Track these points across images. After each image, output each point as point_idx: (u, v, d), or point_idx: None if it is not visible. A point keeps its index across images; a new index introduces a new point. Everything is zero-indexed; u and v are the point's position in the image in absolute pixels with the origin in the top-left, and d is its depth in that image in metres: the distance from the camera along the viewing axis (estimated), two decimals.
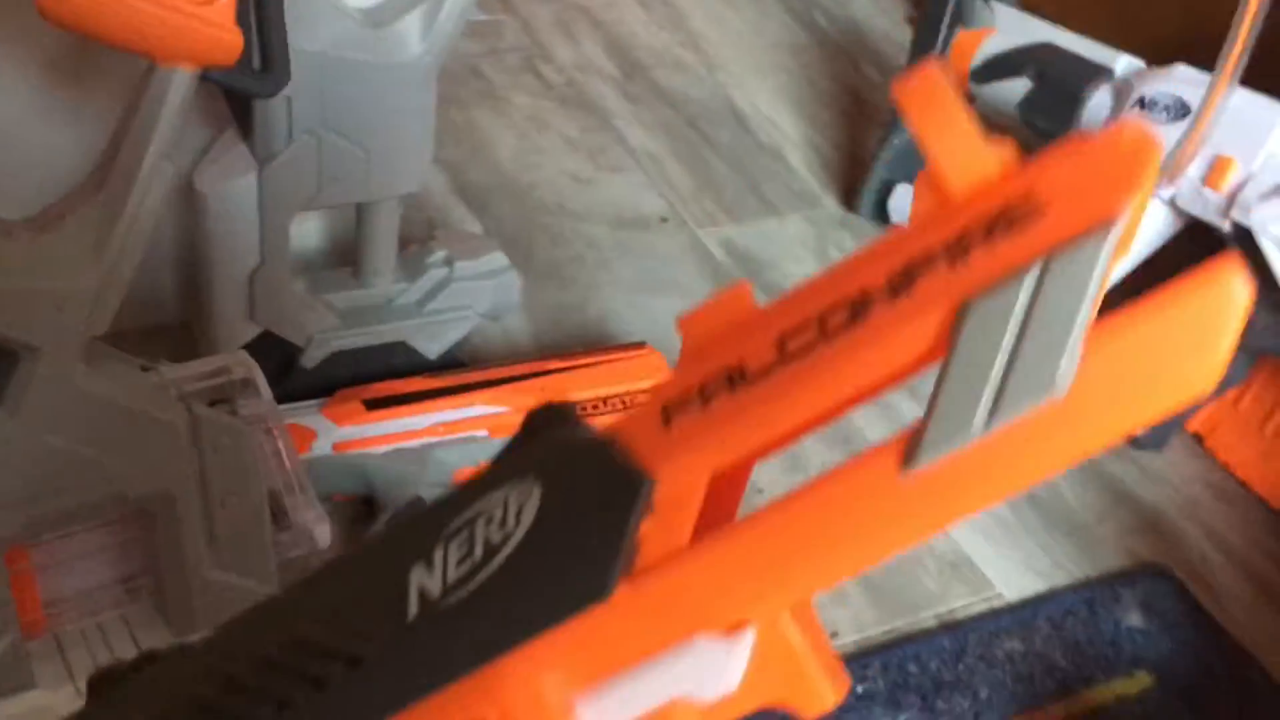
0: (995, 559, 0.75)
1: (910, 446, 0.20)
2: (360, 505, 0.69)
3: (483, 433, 0.71)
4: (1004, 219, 0.20)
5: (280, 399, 0.63)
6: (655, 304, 0.89)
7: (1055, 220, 0.20)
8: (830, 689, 0.23)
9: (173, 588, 0.55)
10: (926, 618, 0.71)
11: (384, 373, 0.73)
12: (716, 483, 0.23)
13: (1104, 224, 0.19)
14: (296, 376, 0.71)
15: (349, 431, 0.69)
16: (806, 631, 0.23)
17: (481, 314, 0.77)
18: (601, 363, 0.76)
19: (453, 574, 0.24)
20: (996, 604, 0.73)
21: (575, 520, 0.23)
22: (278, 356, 0.71)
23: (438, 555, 0.24)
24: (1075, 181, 0.20)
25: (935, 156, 0.21)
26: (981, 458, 0.20)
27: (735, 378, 0.22)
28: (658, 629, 0.23)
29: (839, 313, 0.21)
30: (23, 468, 0.47)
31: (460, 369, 0.75)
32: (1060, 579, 0.75)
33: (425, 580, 0.24)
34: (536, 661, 0.23)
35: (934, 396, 0.20)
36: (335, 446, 0.68)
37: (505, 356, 0.78)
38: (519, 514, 0.24)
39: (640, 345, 0.78)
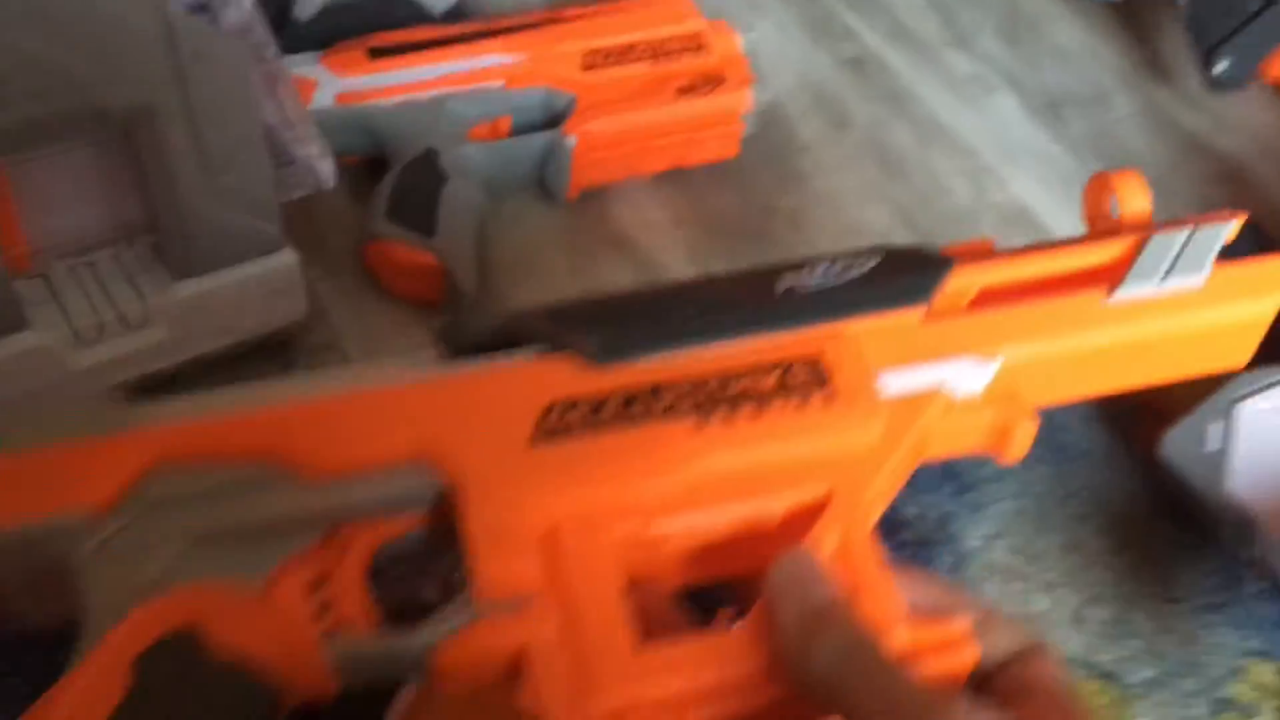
0: (1057, 210, 0.70)
1: (1111, 287, 0.39)
2: (369, 166, 0.63)
3: (499, 83, 0.65)
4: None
5: None
6: None
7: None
8: (1026, 446, 0.39)
9: (167, 223, 0.50)
10: None
11: (386, 28, 0.66)
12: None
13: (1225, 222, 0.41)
14: (290, 32, 0.65)
15: (352, 82, 0.63)
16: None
17: None
18: (625, 8, 0.69)
19: (807, 279, 0.39)
20: None
21: (910, 265, 0.40)
22: (270, 10, 0.64)
23: (793, 272, 0.39)
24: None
25: None
26: (1151, 304, 0.39)
27: None
28: (941, 343, 0.38)
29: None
30: None
31: (470, 20, 0.68)
32: None
33: (791, 280, 0.39)
34: (863, 335, 0.37)
35: (1134, 265, 0.39)
36: (338, 98, 0.62)
37: (516, 9, 0.71)
38: (866, 263, 0.39)
39: None
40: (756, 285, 0.39)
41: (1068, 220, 0.69)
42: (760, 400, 0.36)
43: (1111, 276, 0.39)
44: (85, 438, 0.35)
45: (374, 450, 0.35)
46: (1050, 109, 0.76)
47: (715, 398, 0.36)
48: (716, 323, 0.37)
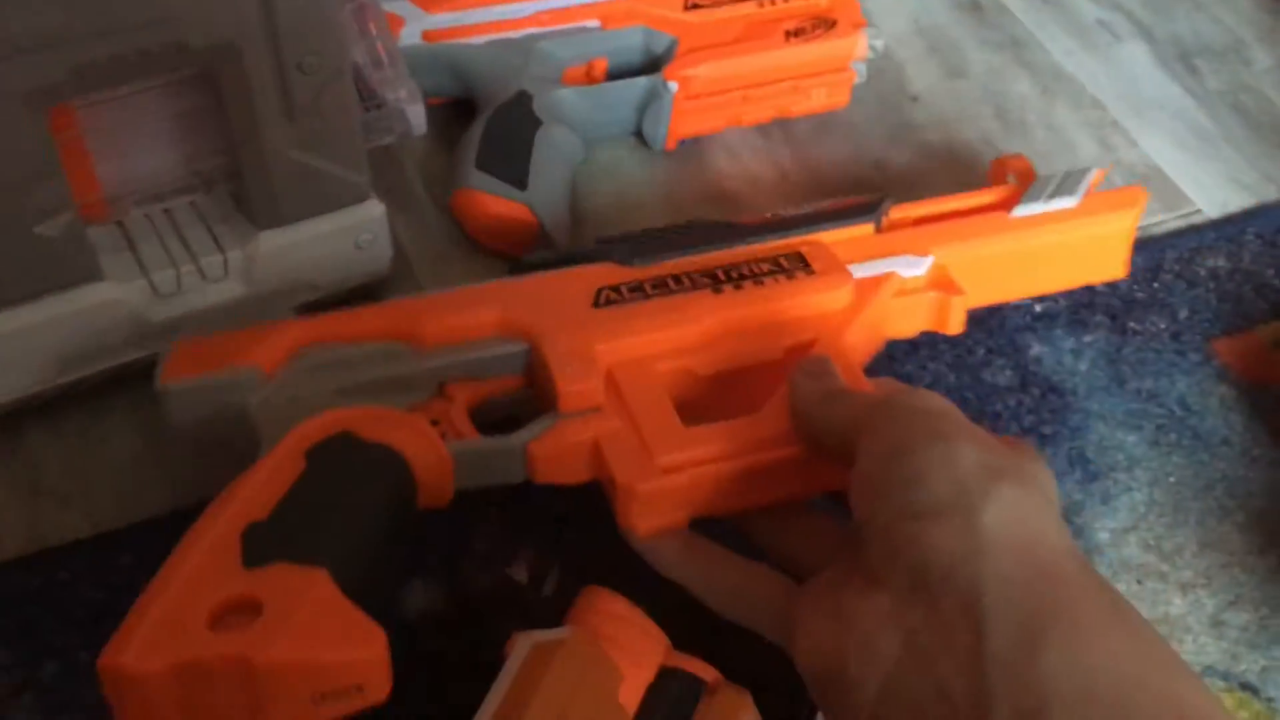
0: (1192, 171, 0.64)
1: (1010, 206, 0.52)
2: (455, 109, 0.60)
3: (595, 22, 0.60)
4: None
5: None
6: None
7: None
8: (960, 315, 0.50)
9: (250, 170, 0.47)
10: None
11: None
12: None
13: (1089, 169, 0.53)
14: None
15: (441, 19, 0.59)
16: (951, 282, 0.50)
17: None
18: None
19: (788, 210, 0.51)
20: (1196, 220, 0.62)
21: (864, 200, 0.52)
22: None
23: (778, 209, 0.52)
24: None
25: None
26: (1041, 218, 0.52)
27: None
28: (890, 247, 0.50)
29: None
30: None
31: None
32: (1271, 193, 0.64)
33: (777, 210, 0.52)
34: (832, 238, 0.50)
35: (1026, 194, 0.52)
36: (425, 35, 0.58)
37: None
38: (831, 200, 0.53)
39: None
40: (751, 216, 0.52)
41: (1205, 182, 0.64)
42: (758, 277, 0.47)
43: (1011, 205, 0.52)
44: (256, 325, 0.45)
45: (469, 326, 0.45)
46: (1183, 60, 0.70)
47: (723, 277, 0.47)
48: (720, 235, 0.49)
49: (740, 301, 0.46)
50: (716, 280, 0.47)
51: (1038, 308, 0.57)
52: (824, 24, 0.62)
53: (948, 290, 0.50)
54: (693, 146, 0.62)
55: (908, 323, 0.50)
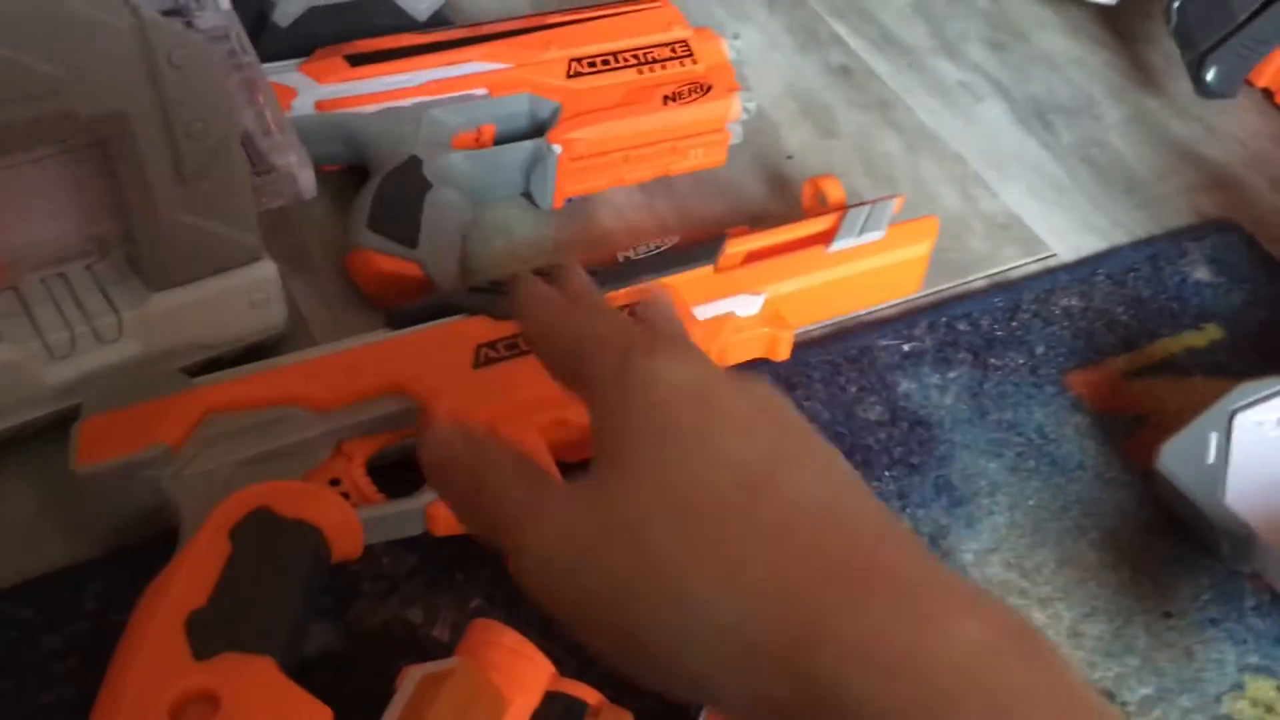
0: (1048, 218, 0.69)
1: (828, 243, 0.59)
2: (349, 175, 0.62)
3: (482, 91, 0.64)
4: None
5: None
6: None
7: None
8: (788, 346, 0.58)
9: (143, 233, 0.49)
10: (976, 279, 0.65)
11: (368, 34, 0.65)
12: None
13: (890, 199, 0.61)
14: (268, 38, 0.63)
15: (332, 89, 0.61)
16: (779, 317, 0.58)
17: None
18: (610, 14, 0.68)
19: (637, 253, 0.57)
20: (1051, 263, 0.67)
21: (697, 244, 0.58)
22: (248, 16, 0.63)
23: (629, 251, 0.58)
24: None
25: None
26: (853, 251, 0.59)
27: None
28: (728, 287, 0.57)
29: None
30: None
31: (452, 27, 0.67)
32: (1120, 237, 0.69)
33: (627, 254, 0.58)
34: (676, 283, 0.55)
35: (837, 232, 0.59)
36: (317, 106, 0.61)
37: (500, 14, 0.70)
38: (673, 242, 0.58)
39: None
40: (606, 260, 0.57)
41: (1060, 228, 0.68)
42: None
43: (827, 238, 0.59)
44: (158, 398, 0.48)
45: (361, 388, 0.50)
46: (1039, 117, 0.76)
47: None
48: None
49: None
50: None
51: (906, 347, 0.60)
52: (700, 88, 0.66)
53: (779, 325, 0.57)
54: (579, 205, 0.65)
55: (744, 354, 0.57)
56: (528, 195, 0.64)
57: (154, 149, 0.47)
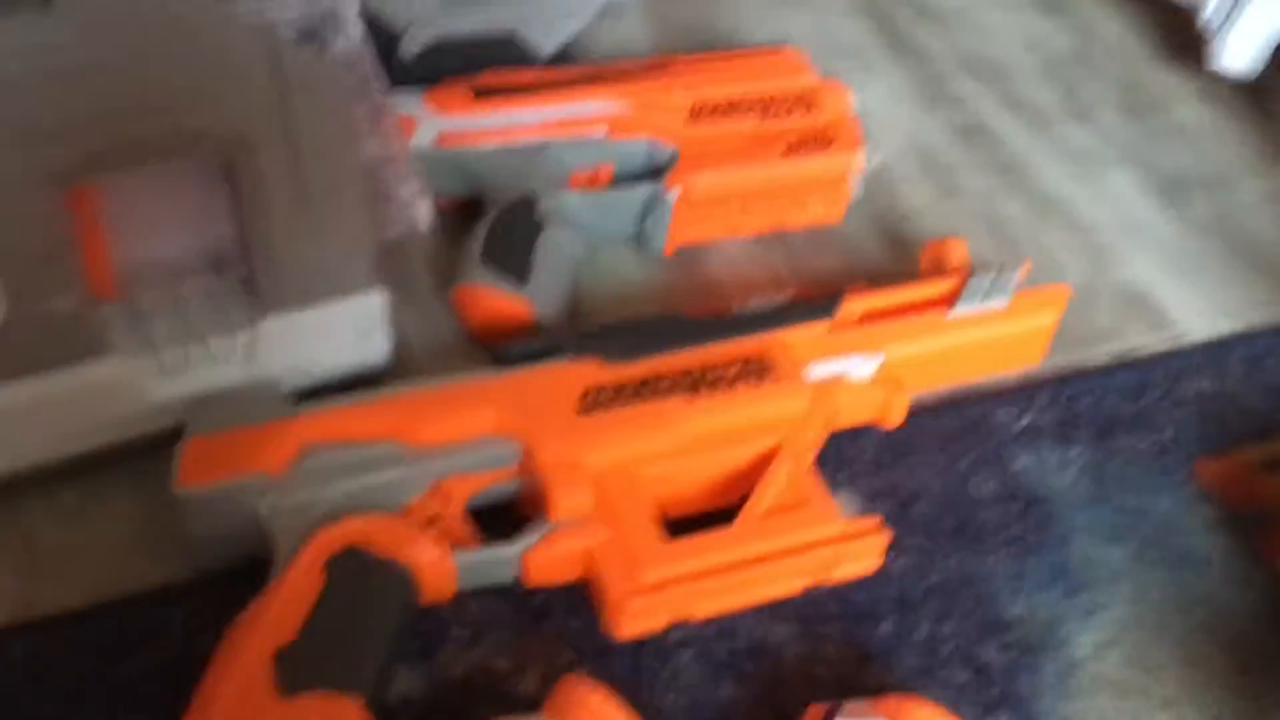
0: (1179, 294, 0.66)
1: (949, 307, 0.56)
2: (465, 211, 0.62)
3: (602, 131, 0.63)
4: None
5: None
6: (793, 20, 0.79)
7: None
8: (901, 412, 0.55)
9: (259, 255, 0.48)
10: (1099, 354, 0.63)
11: (492, 68, 0.65)
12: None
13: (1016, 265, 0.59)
14: (395, 67, 0.63)
15: (454, 122, 0.61)
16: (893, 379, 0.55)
17: (600, 6, 0.68)
18: (735, 60, 0.67)
19: (752, 306, 0.55)
20: (1182, 343, 0.64)
21: (816, 298, 0.56)
22: (377, 43, 0.63)
23: (746, 303, 0.56)
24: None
25: None
26: (975, 317, 0.56)
27: None
28: (842, 345, 0.54)
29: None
30: (77, 84, 0.41)
31: (576, 64, 0.67)
32: (1256, 319, 0.65)
33: (742, 306, 0.55)
34: (792, 340, 0.54)
35: (959, 297, 0.57)
36: (439, 138, 0.61)
37: (624, 55, 0.69)
38: (788, 299, 0.56)
39: (785, 47, 0.69)
40: (719, 310, 0.55)
41: (1190, 305, 0.65)
42: (728, 383, 0.52)
43: (948, 302, 0.57)
44: (261, 423, 0.47)
45: (463, 426, 0.48)
46: (1172, 188, 0.73)
47: (696, 382, 0.51)
48: (692, 335, 0.53)
49: (712, 408, 0.51)
50: (690, 385, 0.51)
51: (1024, 421, 0.58)
52: (822, 141, 0.64)
53: (893, 388, 0.54)
54: (691, 253, 0.64)
55: (856, 417, 0.55)
56: (640, 239, 0.63)
57: (277, 172, 0.47)
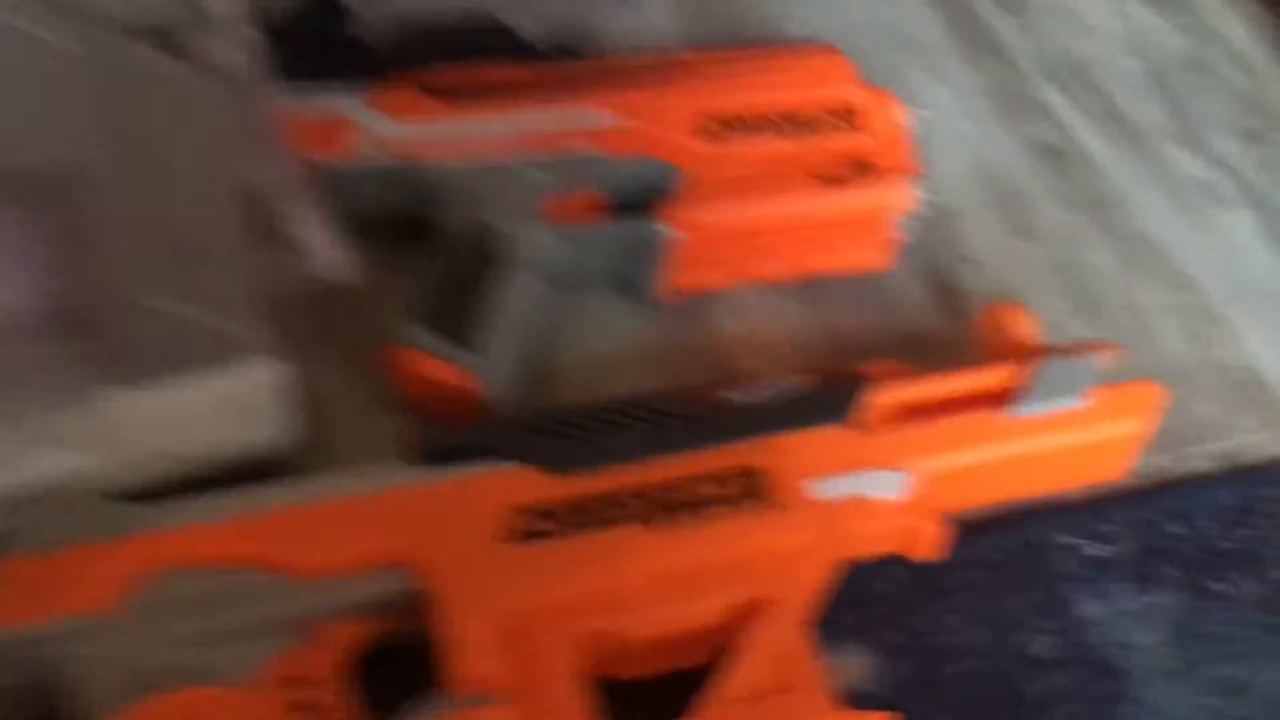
0: None
1: (1005, 407, 0.44)
2: (403, 234, 0.50)
3: (586, 147, 0.51)
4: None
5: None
6: (853, 7, 0.66)
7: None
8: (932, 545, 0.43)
9: (104, 320, 0.38)
10: (1197, 456, 0.50)
11: (467, 60, 0.53)
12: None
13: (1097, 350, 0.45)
14: (339, 54, 0.52)
15: (399, 130, 0.49)
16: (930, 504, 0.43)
17: None
18: (761, 59, 0.54)
19: (745, 396, 0.43)
20: None
21: (827, 388, 0.44)
22: (314, 27, 0.52)
23: (736, 390, 0.44)
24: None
25: None
26: (1039, 421, 0.44)
27: None
28: (859, 457, 0.42)
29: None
30: None
31: (573, 60, 0.54)
32: None
33: (727, 396, 0.43)
34: (789, 448, 0.42)
35: (1023, 389, 0.44)
36: (383, 147, 0.49)
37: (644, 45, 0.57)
38: (792, 385, 0.44)
39: (822, 46, 0.56)
40: (697, 401, 0.43)
41: None
42: (700, 506, 0.40)
43: (1006, 397, 0.44)
44: (86, 543, 0.37)
45: (352, 554, 0.38)
46: None
47: (660, 504, 0.40)
48: (661, 437, 0.42)
49: (678, 541, 0.40)
50: (653, 507, 0.40)
51: (1091, 550, 0.46)
52: (865, 168, 0.52)
53: (923, 516, 0.43)
54: (694, 304, 0.52)
55: (871, 549, 0.43)
56: (628, 286, 0.51)
57: (125, 210, 0.36)
